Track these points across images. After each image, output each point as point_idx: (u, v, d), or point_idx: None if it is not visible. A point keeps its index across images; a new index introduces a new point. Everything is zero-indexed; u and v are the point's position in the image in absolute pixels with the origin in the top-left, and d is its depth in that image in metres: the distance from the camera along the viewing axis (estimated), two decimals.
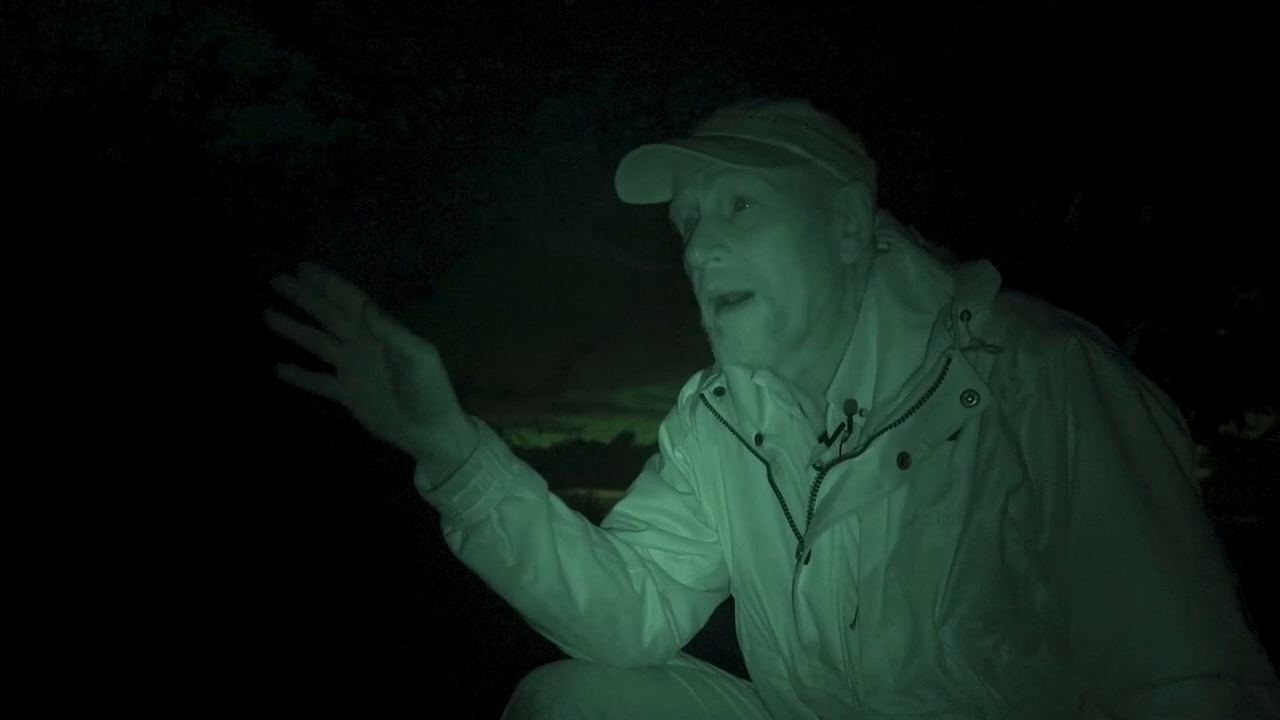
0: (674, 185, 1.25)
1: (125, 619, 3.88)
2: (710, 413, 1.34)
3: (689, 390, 1.41)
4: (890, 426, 1.14)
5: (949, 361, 1.12)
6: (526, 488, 1.23)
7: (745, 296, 1.18)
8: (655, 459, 1.45)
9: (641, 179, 1.25)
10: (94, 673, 3.33)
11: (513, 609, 1.31)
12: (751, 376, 1.28)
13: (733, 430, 1.31)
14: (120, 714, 3.08)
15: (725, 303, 1.19)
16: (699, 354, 1.35)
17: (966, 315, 1.14)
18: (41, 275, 5.94)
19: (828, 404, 1.22)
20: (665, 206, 1.29)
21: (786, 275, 1.17)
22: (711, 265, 1.19)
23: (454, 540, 1.24)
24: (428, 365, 1.13)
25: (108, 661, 3.43)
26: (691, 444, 1.40)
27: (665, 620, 1.34)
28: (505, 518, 1.21)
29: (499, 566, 1.23)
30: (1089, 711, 1.10)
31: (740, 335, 1.19)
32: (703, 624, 1.41)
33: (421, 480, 1.22)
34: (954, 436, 1.12)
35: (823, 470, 1.19)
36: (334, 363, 1.14)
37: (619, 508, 1.42)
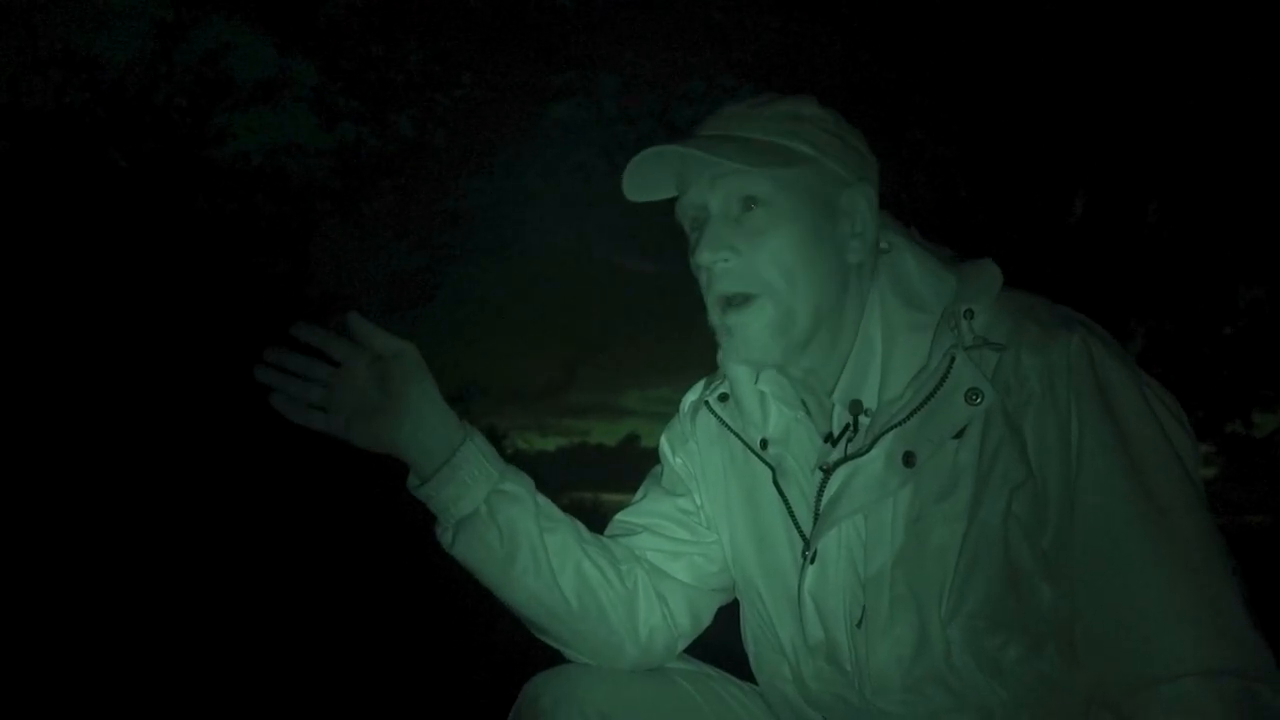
0: (679, 183, 1.25)
1: (133, 617, 3.89)
2: (713, 419, 1.34)
3: (691, 397, 1.42)
4: (895, 426, 1.14)
5: (953, 360, 1.12)
6: (513, 482, 1.27)
7: (750, 298, 1.18)
8: (656, 469, 1.46)
9: (647, 177, 1.25)
10: (103, 673, 3.34)
11: (510, 611, 1.33)
12: (755, 381, 1.29)
13: (738, 436, 1.31)
14: (126, 714, 3.09)
15: (731, 303, 1.19)
16: (703, 356, 1.35)
17: (970, 314, 1.14)
18: (47, 280, 5.96)
19: (833, 405, 1.22)
20: (669, 205, 1.29)
21: (793, 277, 1.17)
22: (720, 266, 1.19)
23: (446, 537, 1.27)
24: (410, 358, 1.22)
25: (116, 661, 3.44)
26: (693, 450, 1.40)
27: (662, 615, 1.35)
28: (494, 509, 1.24)
29: (490, 558, 1.26)
30: (1095, 711, 1.10)
31: (748, 334, 1.19)
32: (705, 623, 1.41)
33: (413, 479, 1.27)
34: (959, 435, 1.12)
35: (828, 471, 1.19)
36: (324, 401, 1.22)
37: (618, 517, 1.43)
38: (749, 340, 1.19)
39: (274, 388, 1.21)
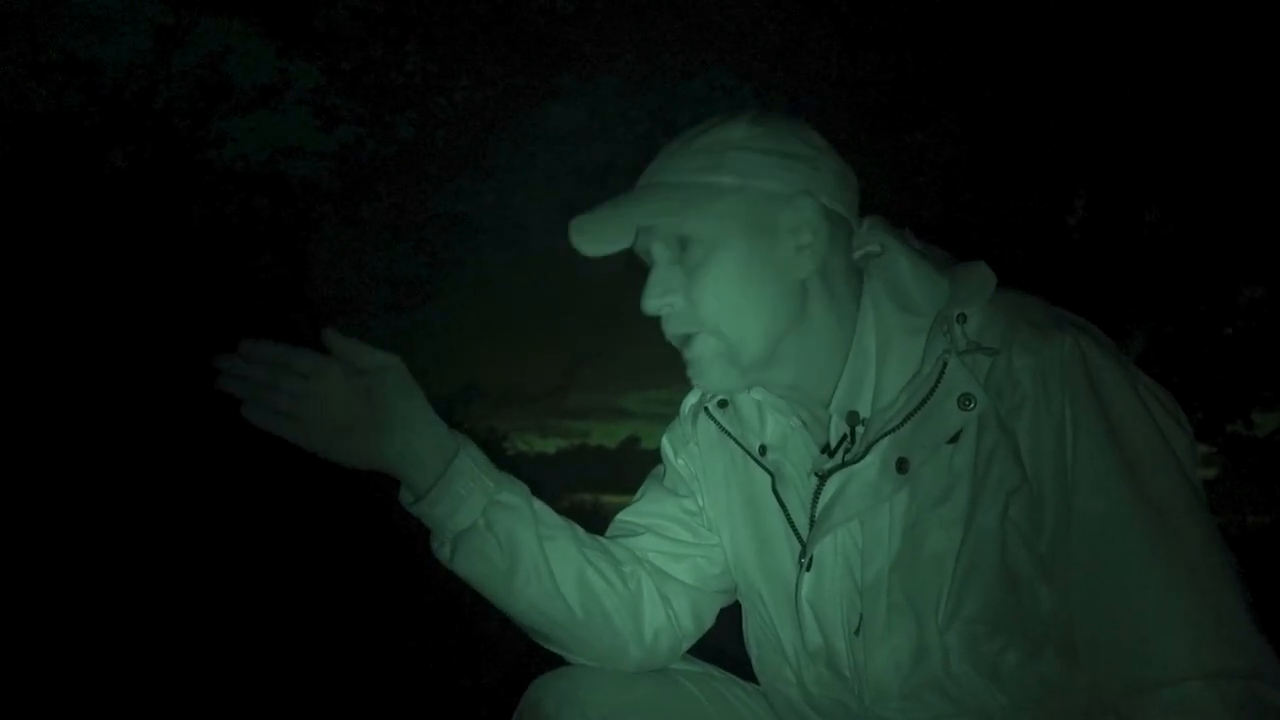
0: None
1: (132, 620, 3.89)
2: (713, 424, 1.34)
3: (692, 400, 1.41)
4: (889, 432, 1.13)
5: (945, 366, 1.12)
6: (509, 491, 1.25)
7: (694, 336, 1.21)
8: (658, 469, 1.46)
9: (600, 233, 1.23)
10: (103, 675, 3.34)
11: (513, 620, 1.32)
12: (749, 391, 1.28)
13: (737, 442, 1.31)
14: (125, 714, 3.09)
15: (682, 343, 1.23)
16: None
17: (962, 318, 1.14)
18: (47, 283, 5.96)
19: (830, 417, 1.22)
20: None
21: (733, 307, 1.18)
22: (665, 311, 1.21)
23: (444, 552, 1.25)
24: (395, 372, 1.19)
25: (116, 663, 3.44)
26: (694, 453, 1.40)
27: (666, 617, 1.34)
28: (492, 521, 1.23)
29: (491, 570, 1.24)
30: (1096, 713, 1.09)
31: (702, 366, 1.21)
32: (708, 624, 1.40)
33: (405, 495, 1.24)
34: (953, 440, 1.11)
35: (823, 478, 1.19)
36: (293, 410, 1.16)
37: (619, 516, 1.43)
38: (704, 371, 1.21)
39: (241, 398, 1.15)
